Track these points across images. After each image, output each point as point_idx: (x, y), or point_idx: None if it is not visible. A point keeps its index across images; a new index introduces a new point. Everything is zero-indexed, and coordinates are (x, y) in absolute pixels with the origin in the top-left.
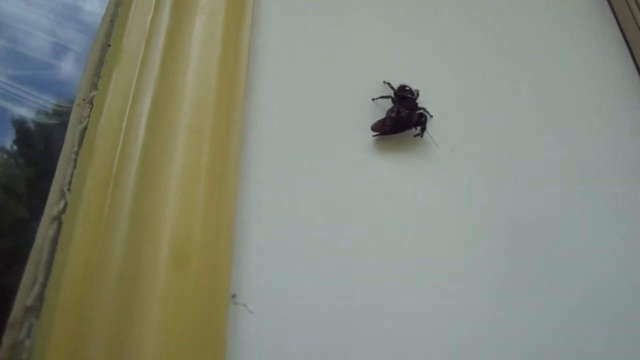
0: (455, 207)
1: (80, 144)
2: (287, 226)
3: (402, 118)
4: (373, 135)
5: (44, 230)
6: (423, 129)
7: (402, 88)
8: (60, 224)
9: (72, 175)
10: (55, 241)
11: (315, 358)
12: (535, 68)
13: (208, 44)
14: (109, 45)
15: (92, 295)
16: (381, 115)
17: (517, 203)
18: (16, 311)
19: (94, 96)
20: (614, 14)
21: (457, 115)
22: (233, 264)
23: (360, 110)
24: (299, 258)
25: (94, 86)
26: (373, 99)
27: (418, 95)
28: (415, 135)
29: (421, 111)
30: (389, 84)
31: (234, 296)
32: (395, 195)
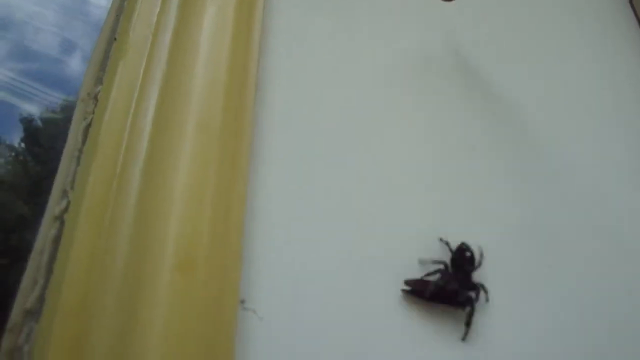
0: None
1: (84, 141)
2: (298, 228)
3: (447, 291)
4: (403, 289)
5: (45, 231)
6: (470, 315)
7: (462, 250)
8: (62, 224)
9: (74, 173)
10: (56, 242)
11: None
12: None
13: (217, 37)
14: (115, 39)
15: (94, 299)
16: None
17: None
18: (15, 314)
19: (98, 91)
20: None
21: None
22: (242, 268)
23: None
24: (310, 261)
25: (99, 81)
26: (420, 261)
27: (480, 264)
28: (465, 325)
29: (472, 294)
30: (446, 243)
31: (242, 301)
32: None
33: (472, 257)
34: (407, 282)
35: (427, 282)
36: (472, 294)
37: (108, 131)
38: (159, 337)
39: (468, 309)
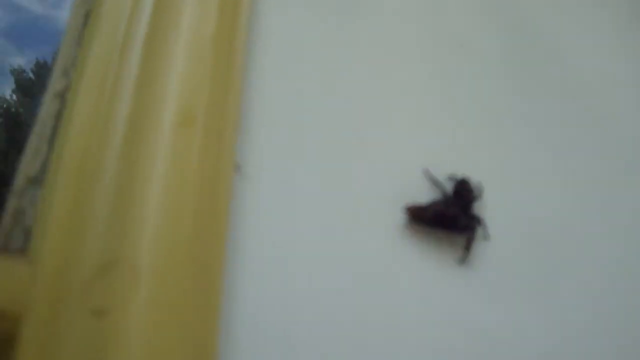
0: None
1: (84, 25)
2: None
3: (447, 216)
4: (405, 215)
5: (47, 106)
6: (470, 242)
7: (463, 182)
8: (63, 101)
9: (75, 55)
10: (58, 116)
11: (317, 227)
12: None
13: None
14: None
15: (96, 159)
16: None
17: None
18: (19, 181)
19: None
20: None
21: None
22: (240, 131)
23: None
24: (308, 132)
25: None
26: (424, 173)
27: (480, 196)
28: (464, 249)
29: (473, 221)
30: (455, 179)
31: (239, 166)
32: None
33: (473, 189)
34: (407, 208)
35: (427, 207)
36: (473, 222)
37: (110, 10)
38: (158, 191)
39: (469, 233)
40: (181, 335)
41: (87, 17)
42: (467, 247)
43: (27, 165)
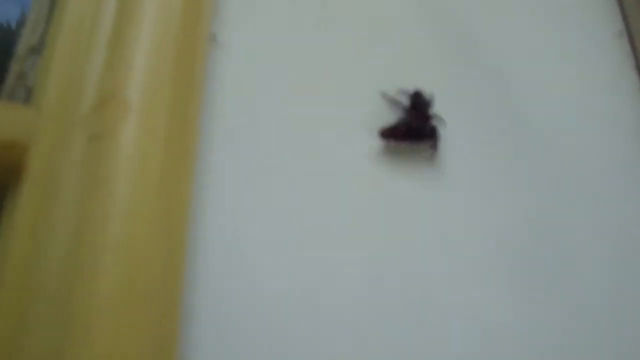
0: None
1: None
2: None
3: (415, 128)
4: (382, 139)
5: None
6: (437, 141)
7: (417, 95)
8: None
9: None
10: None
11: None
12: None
13: None
14: None
15: (90, 25)
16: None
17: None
18: (21, 49)
19: None
20: None
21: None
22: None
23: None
24: None
25: None
26: (383, 96)
27: (433, 102)
28: (431, 149)
29: (434, 123)
30: (407, 92)
31: (213, 35)
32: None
33: (424, 97)
34: (382, 132)
35: (397, 125)
36: (435, 125)
37: None
38: (146, 38)
39: (434, 135)
40: (164, 158)
41: None
42: (435, 147)
43: (27, 37)
